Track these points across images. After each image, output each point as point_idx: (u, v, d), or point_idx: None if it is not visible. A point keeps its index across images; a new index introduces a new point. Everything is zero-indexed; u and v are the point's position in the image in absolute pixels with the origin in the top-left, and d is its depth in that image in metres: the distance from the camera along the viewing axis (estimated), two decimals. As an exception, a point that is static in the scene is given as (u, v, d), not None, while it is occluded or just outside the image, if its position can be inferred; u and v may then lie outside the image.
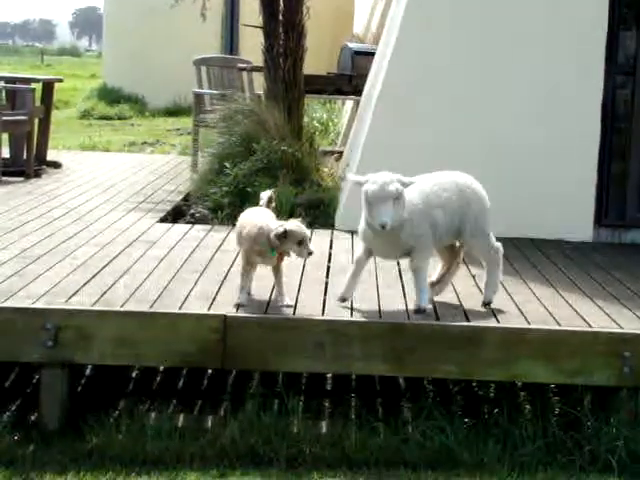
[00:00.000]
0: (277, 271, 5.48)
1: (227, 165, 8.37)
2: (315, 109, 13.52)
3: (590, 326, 5.25)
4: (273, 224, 5.31)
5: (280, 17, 8.95)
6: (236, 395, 5.40)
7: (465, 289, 5.85)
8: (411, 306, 5.44)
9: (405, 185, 5.23)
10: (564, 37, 7.61)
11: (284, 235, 5.22)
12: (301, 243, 5.23)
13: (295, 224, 5.27)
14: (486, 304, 5.51)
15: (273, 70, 8.95)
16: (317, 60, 11.51)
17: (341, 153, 9.81)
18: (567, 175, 7.66)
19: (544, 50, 7.64)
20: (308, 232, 5.29)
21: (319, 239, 7.36)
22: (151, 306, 5.30)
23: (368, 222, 5.27)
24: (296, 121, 8.99)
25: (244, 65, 10.81)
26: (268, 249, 5.32)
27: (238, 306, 5.33)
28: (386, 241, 5.32)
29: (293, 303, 5.44)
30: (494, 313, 5.42)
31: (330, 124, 13.21)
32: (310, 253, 5.25)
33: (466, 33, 7.67)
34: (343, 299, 5.45)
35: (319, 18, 10.77)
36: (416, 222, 5.30)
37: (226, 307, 5.30)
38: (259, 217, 5.47)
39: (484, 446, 4.97)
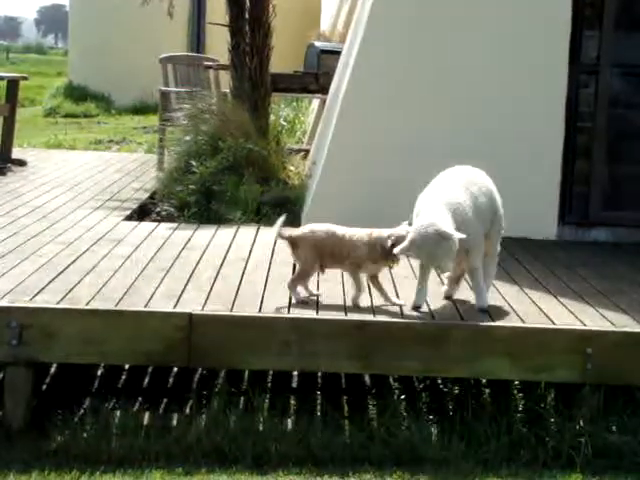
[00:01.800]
0: (376, 278, 5.52)
1: (193, 163, 8.37)
2: (282, 107, 13.51)
3: (554, 323, 5.29)
4: (382, 230, 5.36)
5: (246, 15, 8.97)
6: (202, 393, 5.38)
7: (430, 287, 5.86)
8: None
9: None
10: (528, 37, 7.65)
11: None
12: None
13: (407, 230, 5.27)
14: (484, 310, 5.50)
15: (239, 68, 8.97)
16: (284, 59, 11.51)
17: (308, 151, 9.84)
18: (532, 174, 7.70)
19: (508, 49, 7.68)
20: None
21: (285, 237, 7.37)
22: (116, 304, 5.29)
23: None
24: (262, 119, 9.01)
25: (210, 63, 10.80)
26: (382, 256, 5.34)
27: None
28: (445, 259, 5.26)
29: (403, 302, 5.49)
30: (459, 311, 5.45)
31: (297, 122, 13.21)
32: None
33: (432, 32, 7.70)
34: (417, 307, 5.45)
35: (286, 16, 10.77)
36: (468, 223, 5.29)
37: (192, 305, 5.29)
38: (347, 228, 5.51)
39: (449, 443, 5.00)
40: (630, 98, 8.27)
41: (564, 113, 7.72)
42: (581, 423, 5.04)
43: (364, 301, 5.50)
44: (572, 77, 7.73)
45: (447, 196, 5.33)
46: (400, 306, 5.44)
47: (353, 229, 5.49)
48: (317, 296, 5.59)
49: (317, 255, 5.53)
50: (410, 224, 5.29)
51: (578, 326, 5.26)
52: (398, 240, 5.22)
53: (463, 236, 5.07)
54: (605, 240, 7.86)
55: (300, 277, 5.57)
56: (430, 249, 5.07)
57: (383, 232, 5.36)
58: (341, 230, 5.51)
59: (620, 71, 7.95)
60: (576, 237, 7.88)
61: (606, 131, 7.86)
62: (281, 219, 5.61)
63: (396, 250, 5.18)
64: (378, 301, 5.51)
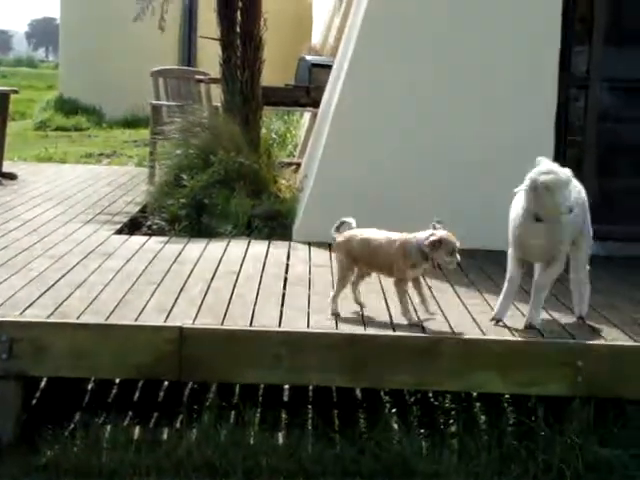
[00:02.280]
0: (419, 282, 5.52)
1: (184, 177, 8.36)
2: (273, 121, 13.54)
3: (544, 337, 5.29)
4: (417, 234, 5.36)
5: (238, 29, 8.98)
6: (193, 407, 5.37)
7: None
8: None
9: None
10: (518, 51, 7.68)
11: (440, 243, 5.24)
12: (453, 252, 5.27)
13: (447, 233, 5.30)
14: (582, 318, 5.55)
15: (231, 82, 8.97)
16: (275, 72, 11.53)
17: (299, 165, 9.84)
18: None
19: (498, 64, 7.71)
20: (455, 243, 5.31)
21: (277, 251, 7.39)
22: (107, 318, 5.28)
23: (536, 215, 5.27)
24: (254, 133, 9.02)
25: (202, 77, 10.81)
26: (420, 260, 5.34)
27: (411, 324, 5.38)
28: (545, 240, 5.34)
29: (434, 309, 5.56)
30: (450, 324, 5.45)
31: (288, 136, 13.24)
32: (458, 263, 5.33)
33: (421, 47, 7.72)
34: (497, 320, 5.46)
35: (277, 30, 10.79)
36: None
37: (182, 318, 5.29)
38: (384, 233, 5.50)
39: (440, 456, 5.00)
40: (620, 112, 8.32)
41: (554, 127, 7.74)
42: (572, 437, 5.04)
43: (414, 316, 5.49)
44: (562, 91, 7.75)
45: None
46: (432, 315, 5.48)
47: (391, 235, 5.46)
48: (361, 305, 5.60)
49: (352, 262, 5.54)
50: (436, 225, 5.33)
51: (568, 339, 5.26)
52: (437, 243, 5.23)
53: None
54: (596, 254, 7.79)
55: (337, 284, 5.59)
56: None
57: (418, 236, 5.34)
58: (379, 237, 5.47)
59: (610, 85, 7.99)
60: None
61: (596, 145, 7.89)
62: (336, 225, 5.64)
63: (517, 189, 5.26)
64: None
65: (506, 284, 5.52)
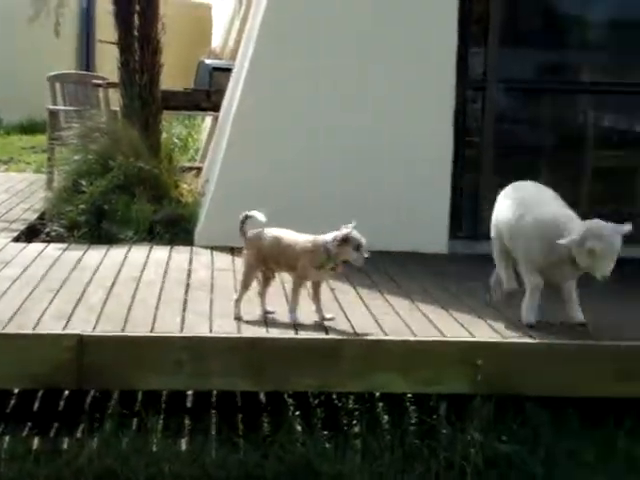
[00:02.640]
0: (318, 286, 5.48)
1: (83, 183, 8.25)
2: (174, 125, 13.43)
3: (444, 336, 5.35)
4: (325, 235, 5.35)
5: (135, 32, 8.89)
6: (94, 415, 5.30)
7: (324, 303, 5.86)
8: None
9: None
10: (415, 53, 7.74)
11: (345, 240, 5.21)
12: (359, 248, 5.25)
13: (354, 231, 5.30)
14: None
15: (129, 86, 8.89)
16: (175, 76, 11.44)
17: (200, 169, 9.79)
18: (422, 189, 7.80)
19: (396, 65, 7.77)
20: (360, 238, 5.30)
21: (179, 256, 7.33)
22: (4, 327, 5.18)
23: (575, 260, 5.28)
24: (154, 138, 8.95)
25: (99, 81, 10.68)
26: (326, 260, 5.32)
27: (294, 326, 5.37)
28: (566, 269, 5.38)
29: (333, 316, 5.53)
30: (352, 325, 5.47)
31: (190, 140, 13.16)
32: (367, 259, 5.27)
33: (320, 49, 7.74)
34: (531, 325, 5.49)
35: (176, 34, 10.72)
36: None
37: (82, 326, 5.21)
38: (295, 234, 5.50)
39: (343, 457, 5.01)
40: (516, 113, 8.47)
41: (453, 128, 7.84)
42: (472, 434, 5.10)
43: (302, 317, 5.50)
44: (459, 93, 7.85)
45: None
46: (330, 320, 5.46)
47: (302, 236, 5.47)
48: (269, 313, 5.57)
49: (260, 260, 5.52)
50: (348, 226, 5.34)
51: (468, 338, 5.33)
52: (342, 240, 5.23)
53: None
54: (495, 252, 7.97)
55: (241, 283, 5.57)
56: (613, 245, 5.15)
57: (326, 237, 5.37)
58: (289, 236, 5.48)
59: (506, 86, 8.12)
60: (467, 251, 7.98)
61: (494, 145, 8.01)
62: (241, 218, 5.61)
63: (563, 241, 5.19)
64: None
65: (535, 291, 5.53)
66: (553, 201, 5.65)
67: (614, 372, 5.22)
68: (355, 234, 5.31)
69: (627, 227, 5.21)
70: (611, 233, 5.20)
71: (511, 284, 5.83)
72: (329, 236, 5.36)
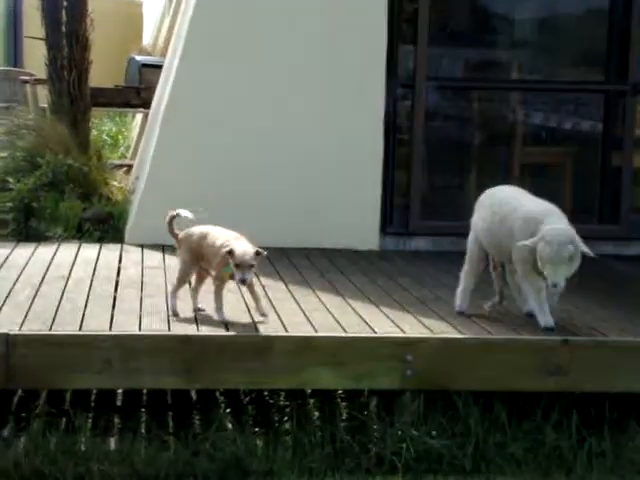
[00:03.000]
0: (252, 285, 5.40)
1: (10, 180, 8.16)
2: (104, 122, 13.34)
3: (375, 332, 5.37)
4: (234, 242, 5.25)
5: (63, 29, 8.81)
6: (21, 415, 5.23)
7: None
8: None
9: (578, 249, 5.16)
10: (345, 53, 7.77)
11: (230, 253, 5.16)
12: (238, 267, 5.15)
13: (243, 248, 5.19)
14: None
15: (57, 83, 8.81)
16: (105, 73, 11.35)
17: (131, 166, 9.73)
18: (353, 186, 7.83)
19: (326, 64, 7.79)
20: (250, 259, 5.16)
21: (108, 254, 7.27)
22: None
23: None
24: (83, 135, 8.89)
25: (27, 77, 10.56)
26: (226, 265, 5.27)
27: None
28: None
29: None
30: (282, 322, 5.47)
31: (120, 137, 13.06)
32: (243, 281, 5.17)
33: (250, 45, 7.73)
34: (552, 328, 5.42)
35: (105, 30, 10.64)
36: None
37: (8, 325, 5.13)
38: (222, 231, 5.42)
39: (274, 454, 5.00)
40: (445, 111, 8.54)
41: (383, 126, 7.87)
42: (402, 429, 5.13)
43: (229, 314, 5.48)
44: (390, 91, 7.89)
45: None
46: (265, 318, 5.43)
47: (226, 234, 5.40)
48: (200, 310, 5.53)
49: (193, 258, 5.48)
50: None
51: (398, 334, 5.36)
52: (227, 252, 5.20)
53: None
54: (426, 249, 8.05)
55: (177, 280, 5.54)
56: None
57: (232, 242, 5.29)
58: (214, 234, 5.42)
59: (435, 85, 8.18)
60: (398, 247, 8.05)
61: (423, 143, 8.06)
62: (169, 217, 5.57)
63: (523, 243, 5.18)
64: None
65: (541, 292, 5.46)
66: (534, 199, 5.64)
67: (541, 367, 5.28)
68: (239, 252, 5.19)
69: (585, 250, 5.18)
70: (564, 241, 5.15)
71: (462, 307, 5.82)
72: (237, 242, 5.31)
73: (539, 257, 5.20)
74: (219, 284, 5.43)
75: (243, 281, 5.21)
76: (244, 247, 5.22)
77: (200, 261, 5.52)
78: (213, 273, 5.48)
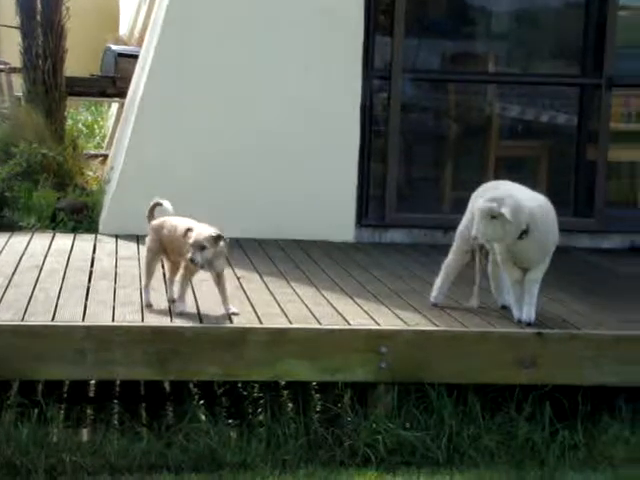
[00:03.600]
0: (220, 281, 5.38)
1: (-16, 169, 8.10)
2: (80, 112, 13.25)
3: (349, 324, 5.37)
4: (195, 225, 5.23)
5: (38, 17, 8.76)
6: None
7: (230, 291, 5.84)
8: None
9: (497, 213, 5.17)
10: (322, 43, 7.76)
11: (188, 230, 5.15)
12: (191, 246, 5.12)
13: (201, 229, 5.16)
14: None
15: (32, 72, 8.77)
16: (81, 62, 11.27)
17: (106, 156, 9.68)
18: (329, 177, 7.82)
19: (302, 54, 7.77)
20: (204, 240, 5.11)
21: (82, 244, 7.24)
22: None
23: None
24: (58, 124, 8.84)
25: (1, 66, 10.48)
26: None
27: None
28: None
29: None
30: (257, 314, 5.46)
31: (96, 127, 12.98)
32: (192, 260, 5.12)
33: (227, 33, 7.70)
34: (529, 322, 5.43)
35: (82, 19, 10.55)
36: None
37: (-20, 315, 5.11)
38: (192, 224, 5.32)
39: (248, 446, 5.00)
40: (421, 102, 8.53)
41: (359, 117, 7.86)
42: (376, 421, 5.13)
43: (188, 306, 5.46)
44: (366, 83, 7.87)
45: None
46: (233, 315, 5.38)
47: (198, 226, 5.32)
48: (174, 302, 5.48)
49: (160, 248, 5.46)
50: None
51: (372, 326, 5.35)
52: (190, 229, 5.18)
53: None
54: (401, 242, 8.05)
55: (145, 272, 5.54)
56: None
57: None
58: (185, 224, 5.35)
59: (411, 76, 8.17)
60: (373, 239, 8.04)
61: (399, 135, 8.05)
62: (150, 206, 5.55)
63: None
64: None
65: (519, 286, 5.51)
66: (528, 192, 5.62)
67: (514, 359, 5.29)
68: (195, 232, 5.15)
69: (501, 212, 5.17)
70: (491, 198, 5.21)
71: (438, 299, 5.83)
72: (199, 225, 5.28)
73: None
74: (185, 273, 5.40)
75: (192, 260, 5.15)
76: (202, 229, 5.19)
77: (170, 253, 5.49)
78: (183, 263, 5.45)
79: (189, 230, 5.17)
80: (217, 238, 5.16)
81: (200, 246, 5.13)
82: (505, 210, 5.15)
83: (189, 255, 5.13)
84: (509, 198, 5.23)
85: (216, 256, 5.22)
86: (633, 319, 5.77)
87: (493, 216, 5.17)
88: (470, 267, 5.83)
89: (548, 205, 5.49)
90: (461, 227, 5.73)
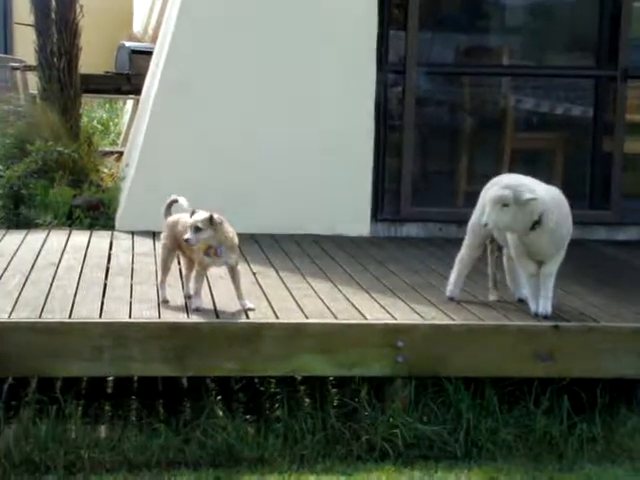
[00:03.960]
0: (234, 275, 5.39)
1: (0, 167, 8.12)
2: (95, 109, 13.29)
3: (366, 318, 5.36)
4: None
5: (53, 15, 8.78)
6: (11, 403, 5.22)
7: (245, 286, 5.85)
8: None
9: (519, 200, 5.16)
10: (336, 36, 7.75)
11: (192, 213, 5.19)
12: (197, 230, 5.14)
13: (201, 211, 5.19)
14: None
15: (47, 69, 8.80)
16: (95, 59, 11.30)
17: (122, 153, 9.70)
18: (344, 172, 7.82)
19: (316, 49, 7.77)
20: (198, 221, 5.13)
21: (99, 241, 7.26)
22: None
23: None
24: (73, 121, 8.87)
25: (16, 64, 10.51)
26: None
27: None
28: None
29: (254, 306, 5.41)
30: (273, 309, 5.46)
31: (111, 124, 13.02)
32: (186, 240, 5.14)
33: (239, 33, 7.70)
34: (545, 315, 5.43)
35: (96, 17, 10.60)
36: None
37: (-4, 312, 5.13)
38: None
39: (265, 441, 5.00)
40: (436, 96, 8.52)
41: (374, 111, 7.85)
42: (393, 415, 5.12)
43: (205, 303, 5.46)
44: (380, 77, 7.86)
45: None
46: (249, 310, 5.37)
47: None
48: (191, 298, 5.48)
49: (175, 244, 5.48)
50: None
51: (389, 320, 5.35)
52: (193, 212, 5.20)
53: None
54: (416, 236, 8.04)
55: (161, 268, 5.55)
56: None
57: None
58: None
59: (426, 70, 8.15)
60: (389, 233, 8.04)
61: (414, 129, 8.04)
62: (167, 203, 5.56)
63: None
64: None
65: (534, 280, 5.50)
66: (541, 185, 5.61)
67: (531, 352, 5.28)
68: (196, 216, 5.18)
69: (526, 197, 5.17)
70: (505, 186, 5.20)
71: (454, 293, 5.81)
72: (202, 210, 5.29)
73: None
74: (199, 270, 5.41)
75: (186, 240, 5.16)
76: (202, 213, 5.21)
77: (185, 250, 5.49)
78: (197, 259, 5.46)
79: (193, 212, 5.22)
80: (211, 219, 5.16)
81: (195, 227, 5.15)
82: (517, 196, 5.14)
83: (185, 236, 5.15)
84: (521, 186, 5.22)
85: (217, 239, 5.21)
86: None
87: (505, 204, 5.16)
88: (485, 261, 5.83)
89: (561, 197, 5.47)
90: (473, 220, 5.72)
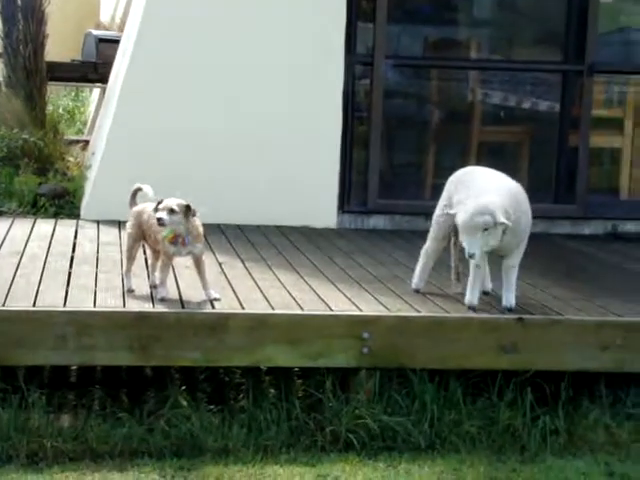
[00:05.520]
0: (199, 266, 5.38)
1: (-36, 154, 8.07)
2: (61, 97, 13.20)
3: (331, 309, 5.36)
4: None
5: (19, 2, 8.72)
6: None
7: (211, 277, 5.84)
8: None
9: (496, 222, 5.10)
10: (304, 28, 7.75)
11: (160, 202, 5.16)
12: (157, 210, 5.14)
13: (178, 200, 5.18)
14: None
15: (12, 57, 8.74)
16: (62, 47, 11.22)
17: (88, 142, 9.64)
18: (311, 163, 7.82)
19: (284, 40, 7.76)
20: (172, 204, 5.11)
21: (64, 230, 7.21)
22: None
23: None
24: (39, 109, 8.81)
25: (-19, 51, 10.41)
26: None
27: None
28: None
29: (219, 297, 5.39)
30: (239, 299, 5.45)
31: (77, 112, 12.93)
32: (158, 219, 5.10)
33: (209, 19, 7.68)
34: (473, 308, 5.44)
35: (63, 5, 10.54)
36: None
37: (-39, 301, 5.08)
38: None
39: (229, 431, 4.99)
40: (404, 89, 8.53)
41: (342, 104, 7.86)
42: (358, 407, 5.13)
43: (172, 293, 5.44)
44: (348, 68, 7.87)
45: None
46: (215, 300, 5.36)
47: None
48: (156, 287, 5.46)
49: (140, 233, 5.46)
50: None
51: (354, 311, 5.35)
52: (164, 202, 5.17)
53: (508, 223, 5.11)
54: (383, 228, 8.06)
55: (126, 257, 5.53)
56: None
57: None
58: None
59: (394, 62, 8.16)
60: (355, 225, 8.05)
61: (382, 121, 8.05)
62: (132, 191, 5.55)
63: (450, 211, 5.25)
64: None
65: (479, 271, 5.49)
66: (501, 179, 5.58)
67: (495, 345, 5.30)
68: (171, 200, 5.17)
69: (502, 221, 5.11)
70: (479, 211, 5.09)
71: (419, 285, 5.83)
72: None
73: (458, 226, 5.22)
74: (165, 259, 5.38)
75: (158, 220, 5.13)
76: (174, 199, 5.20)
77: (149, 239, 5.47)
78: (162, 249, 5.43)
79: (160, 202, 5.18)
80: (188, 208, 5.16)
81: (170, 209, 5.13)
82: (500, 218, 5.11)
83: (157, 215, 5.13)
84: (493, 204, 5.17)
85: (186, 227, 5.21)
86: (613, 305, 5.79)
87: (486, 229, 5.15)
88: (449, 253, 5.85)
89: (520, 192, 5.47)
90: (437, 212, 5.73)
